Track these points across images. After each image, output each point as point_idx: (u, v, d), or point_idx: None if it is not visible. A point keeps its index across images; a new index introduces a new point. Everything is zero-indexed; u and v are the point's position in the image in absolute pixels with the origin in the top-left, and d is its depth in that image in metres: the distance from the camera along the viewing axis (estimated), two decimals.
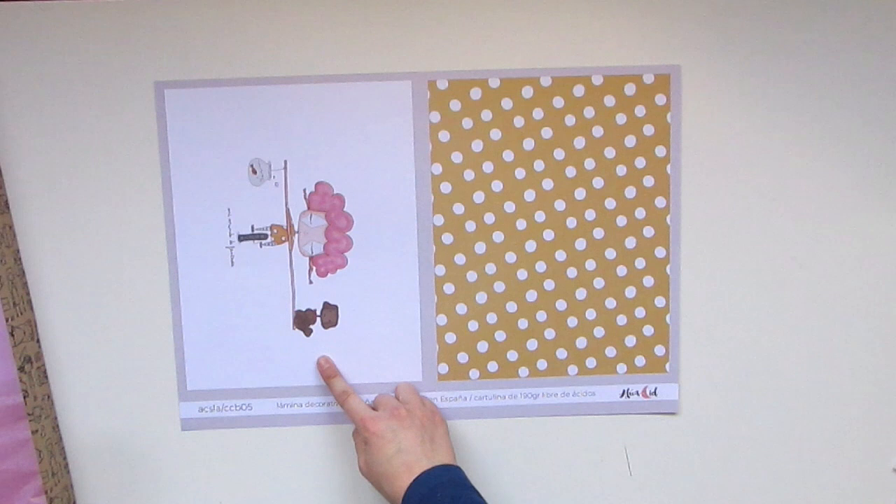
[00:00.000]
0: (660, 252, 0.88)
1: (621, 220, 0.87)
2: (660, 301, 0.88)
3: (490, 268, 0.88)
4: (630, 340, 0.89)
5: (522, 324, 0.88)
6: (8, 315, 0.81)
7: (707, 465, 0.91)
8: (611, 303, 0.88)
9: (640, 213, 0.87)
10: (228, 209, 0.86)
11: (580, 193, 0.86)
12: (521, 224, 0.87)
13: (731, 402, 0.90)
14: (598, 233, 0.87)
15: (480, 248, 0.87)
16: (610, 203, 0.87)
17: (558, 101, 0.85)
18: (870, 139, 0.87)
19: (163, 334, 0.87)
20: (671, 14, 0.84)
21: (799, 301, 0.89)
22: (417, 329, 0.88)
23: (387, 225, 0.87)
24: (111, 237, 0.85)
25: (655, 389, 0.90)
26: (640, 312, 0.88)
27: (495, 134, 0.85)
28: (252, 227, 0.86)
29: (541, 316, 0.88)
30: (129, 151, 0.84)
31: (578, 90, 0.85)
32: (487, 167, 0.86)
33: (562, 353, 0.89)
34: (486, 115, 0.85)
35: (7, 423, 0.81)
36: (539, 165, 0.86)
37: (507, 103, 0.85)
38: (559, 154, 0.86)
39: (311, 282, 0.87)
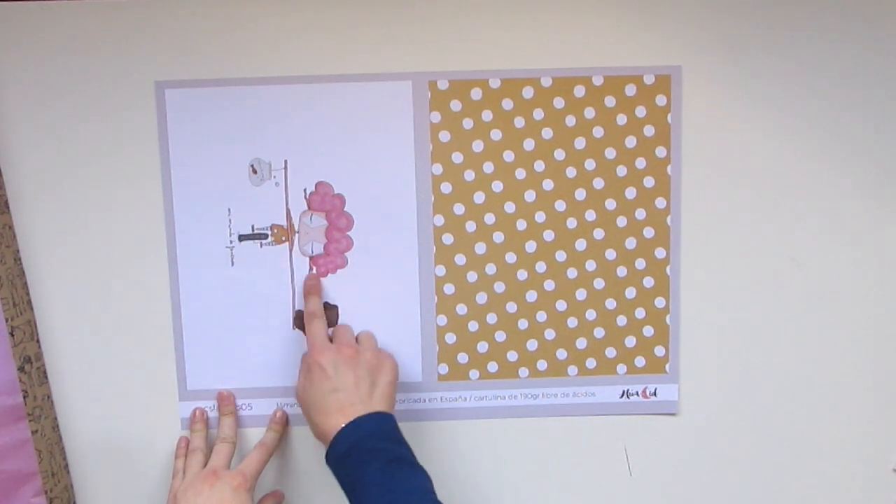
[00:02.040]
0: (660, 253, 0.88)
1: (621, 221, 0.87)
2: (660, 302, 0.88)
3: (490, 268, 0.88)
4: (630, 341, 0.89)
5: (522, 324, 0.88)
6: (8, 315, 0.81)
7: (707, 465, 0.91)
8: (611, 303, 0.88)
9: (640, 213, 0.87)
10: (229, 209, 0.86)
11: (580, 194, 0.86)
12: (521, 224, 0.87)
13: (730, 402, 0.90)
14: (599, 233, 0.87)
15: (481, 248, 0.87)
16: (610, 204, 0.87)
17: (559, 102, 0.85)
18: (870, 139, 0.87)
19: (163, 334, 0.87)
20: (672, 15, 0.84)
21: (799, 301, 0.89)
22: (417, 329, 0.88)
23: (387, 225, 0.87)
24: (111, 237, 0.85)
25: (655, 390, 0.90)
26: (640, 313, 0.88)
27: (496, 134, 0.85)
28: (252, 227, 0.86)
29: (541, 316, 0.88)
30: (129, 151, 0.84)
31: (579, 91, 0.85)
32: (488, 167, 0.86)
33: (562, 354, 0.89)
34: (487, 115, 0.85)
35: (7, 423, 0.81)
36: (539, 166, 0.86)
37: (507, 104, 0.85)
38: (559, 154, 0.86)
39: None
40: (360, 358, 0.81)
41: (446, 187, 0.86)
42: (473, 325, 0.88)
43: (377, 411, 0.78)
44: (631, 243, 0.87)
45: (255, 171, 0.85)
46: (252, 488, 0.82)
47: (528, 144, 0.86)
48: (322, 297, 0.87)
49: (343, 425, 0.76)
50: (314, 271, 0.87)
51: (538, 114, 0.85)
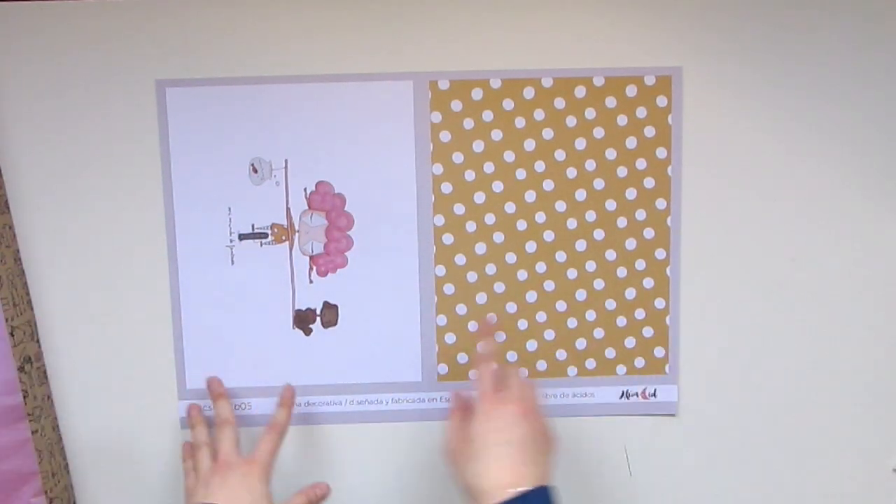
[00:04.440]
0: (660, 254, 0.88)
1: (622, 222, 0.87)
2: (659, 302, 0.88)
3: (490, 268, 0.88)
4: (630, 342, 0.89)
5: (522, 324, 0.88)
6: (8, 315, 0.81)
7: (706, 466, 0.91)
8: (611, 304, 0.88)
9: (640, 214, 0.87)
10: (229, 208, 0.86)
11: (581, 194, 0.86)
12: (521, 225, 0.87)
13: (730, 403, 0.90)
14: (599, 234, 0.87)
15: (481, 248, 0.87)
16: (610, 204, 0.87)
17: (559, 102, 0.85)
18: (870, 139, 0.87)
19: (163, 334, 0.87)
20: (673, 15, 0.84)
21: (799, 302, 0.89)
22: (417, 329, 0.88)
23: (387, 225, 0.87)
24: (111, 237, 0.85)
25: (655, 391, 0.90)
26: (639, 314, 0.88)
27: (496, 134, 0.85)
28: (252, 226, 0.86)
29: (540, 317, 0.88)
30: (129, 150, 0.84)
31: (580, 91, 0.85)
32: (488, 168, 0.86)
33: (561, 354, 0.89)
34: (488, 115, 0.85)
35: (7, 423, 0.81)
36: (540, 166, 0.86)
37: (508, 104, 0.85)
38: (560, 155, 0.86)
39: (311, 281, 0.87)
40: (539, 420, 0.76)
41: (447, 187, 0.86)
42: (473, 326, 0.88)
43: (545, 486, 0.72)
44: (631, 244, 0.87)
45: (255, 171, 0.85)
46: (267, 474, 0.80)
47: (529, 145, 0.86)
48: (495, 338, 0.84)
49: (509, 491, 0.69)
50: (315, 270, 0.87)
51: (539, 114, 0.85)
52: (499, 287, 0.88)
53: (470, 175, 0.86)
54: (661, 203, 0.87)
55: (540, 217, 0.87)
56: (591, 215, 0.87)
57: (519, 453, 0.72)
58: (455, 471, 0.75)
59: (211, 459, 0.82)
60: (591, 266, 0.88)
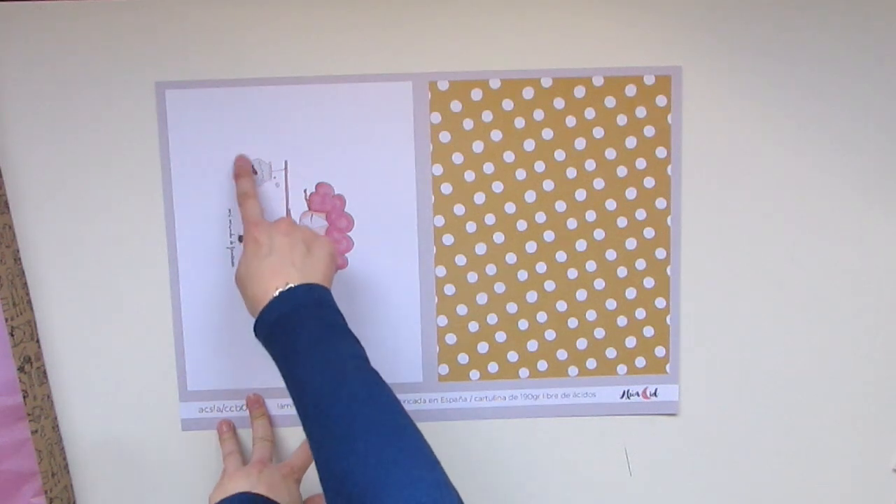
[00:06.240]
0: (660, 253, 0.88)
1: (622, 222, 0.87)
2: (660, 302, 0.88)
3: (490, 269, 0.88)
4: (630, 341, 0.89)
5: (523, 325, 0.88)
6: (8, 315, 0.81)
7: (707, 466, 0.91)
8: (611, 304, 0.88)
9: (640, 214, 0.87)
10: (229, 210, 0.86)
11: (581, 194, 0.86)
12: (521, 225, 0.87)
13: (730, 402, 0.90)
14: (599, 234, 0.87)
15: (481, 248, 0.87)
16: (610, 204, 0.87)
17: (559, 102, 0.85)
18: (870, 139, 0.87)
19: (163, 334, 0.87)
20: (672, 15, 0.84)
21: (799, 301, 0.89)
22: (418, 330, 0.88)
23: (387, 226, 0.87)
24: (111, 237, 0.85)
25: (656, 390, 0.90)
26: (640, 313, 0.88)
27: (496, 135, 0.85)
28: None
29: (541, 317, 0.88)
30: (129, 152, 0.84)
31: (579, 91, 0.85)
32: (488, 168, 0.86)
33: (562, 354, 0.89)
34: (487, 115, 0.85)
35: (7, 423, 0.81)
36: (540, 166, 0.86)
37: (507, 104, 0.85)
38: (560, 155, 0.86)
39: None
40: (295, 229, 0.78)
41: (446, 188, 0.86)
42: (474, 326, 0.88)
43: (313, 282, 0.75)
44: (631, 244, 0.87)
45: (255, 172, 0.85)
46: (299, 480, 0.83)
47: (529, 145, 0.86)
48: (253, 178, 0.84)
49: (277, 291, 0.73)
50: None
51: (538, 114, 0.85)
52: (499, 287, 0.88)
53: (470, 175, 0.86)
54: (661, 203, 0.87)
55: (540, 217, 0.87)
56: (591, 215, 0.87)
57: (280, 259, 0.75)
58: (242, 294, 0.77)
59: (241, 465, 0.84)
60: (591, 266, 0.88)
